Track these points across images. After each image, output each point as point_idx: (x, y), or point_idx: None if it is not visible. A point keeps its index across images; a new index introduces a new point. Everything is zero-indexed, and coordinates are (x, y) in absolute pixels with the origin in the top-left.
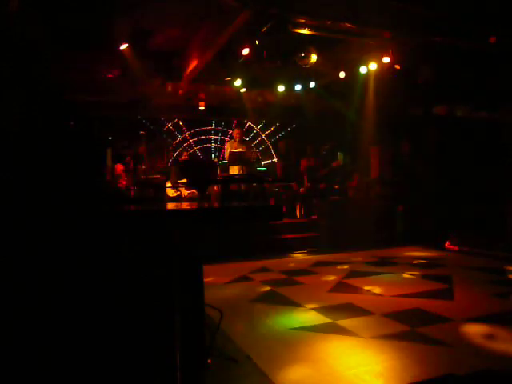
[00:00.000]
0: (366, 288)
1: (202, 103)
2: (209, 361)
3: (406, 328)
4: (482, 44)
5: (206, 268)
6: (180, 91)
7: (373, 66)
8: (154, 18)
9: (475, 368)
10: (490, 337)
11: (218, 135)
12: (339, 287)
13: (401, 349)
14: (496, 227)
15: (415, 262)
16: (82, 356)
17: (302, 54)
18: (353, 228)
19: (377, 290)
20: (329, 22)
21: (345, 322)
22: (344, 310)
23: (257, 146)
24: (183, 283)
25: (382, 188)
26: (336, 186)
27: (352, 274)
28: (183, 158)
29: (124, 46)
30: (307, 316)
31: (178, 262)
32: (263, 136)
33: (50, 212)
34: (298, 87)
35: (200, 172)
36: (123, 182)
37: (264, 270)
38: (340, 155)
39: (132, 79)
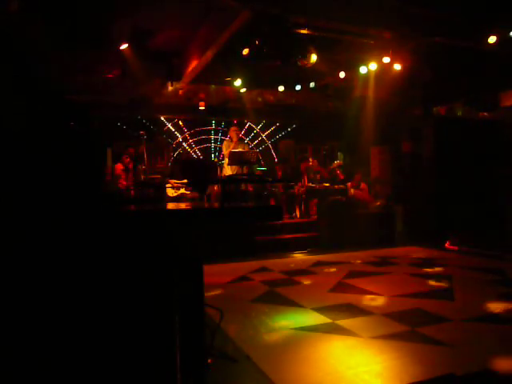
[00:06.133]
0: (366, 288)
1: (202, 103)
2: (209, 361)
3: (406, 328)
4: (481, 44)
5: (206, 268)
6: (180, 91)
7: (373, 66)
8: (154, 18)
9: (475, 368)
10: (489, 337)
11: (218, 135)
12: (339, 287)
13: (401, 349)
14: (496, 227)
15: (415, 261)
16: (82, 356)
17: (302, 54)
18: (353, 228)
19: (377, 289)
20: (329, 22)
21: (345, 322)
22: (344, 310)
23: (257, 146)
24: (183, 283)
25: (382, 188)
26: (336, 186)
27: (352, 274)
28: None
29: (124, 46)
30: (307, 316)
31: (178, 262)
32: (263, 136)
33: (49, 213)
34: (297, 87)
35: (199, 172)
36: (123, 182)
37: (264, 269)
38: (340, 155)
39: (132, 79)
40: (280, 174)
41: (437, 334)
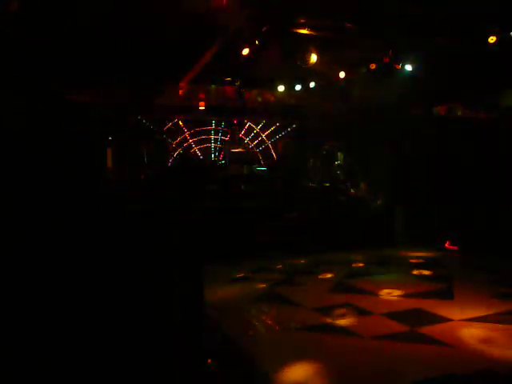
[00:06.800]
0: (366, 288)
1: (202, 103)
2: (209, 361)
3: (406, 328)
4: (481, 44)
5: (206, 268)
6: (180, 91)
7: (373, 66)
8: (154, 17)
9: (475, 368)
10: (489, 337)
11: (218, 135)
12: (339, 287)
13: (401, 349)
14: (496, 227)
15: (415, 261)
16: (83, 355)
17: (302, 54)
18: (353, 228)
19: (377, 289)
20: (329, 22)
21: (345, 322)
22: (344, 310)
23: (257, 146)
24: (183, 283)
25: (382, 188)
26: (336, 186)
27: (352, 274)
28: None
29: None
30: (307, 316)
31: (178, 262)
32: (263, 136)
33: (49, 213)
34: (297, 87)
35: (200, 172)
36: (123, 182)
37: (264, 270)
38: (340, 155)
39: (132, 79)
40: (280, 173)
41: (437, 334)
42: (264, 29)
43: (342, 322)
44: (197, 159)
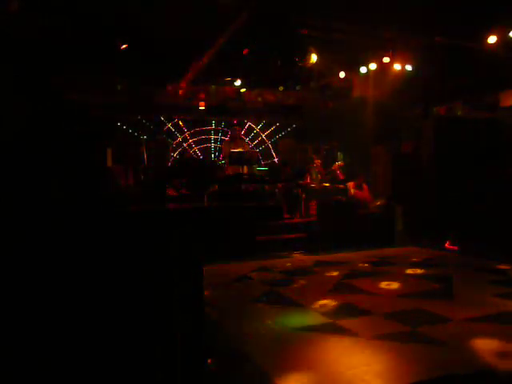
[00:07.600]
0: (366, 288)
1: (202, 103)
2: (209, 361)
3: (406, 328)
4: (481, 44)
5: (206, 268)
6: (180, 91)
7: (373, 66)
8: (155, 18)
9: (475, 368)
10: (489, 337)
11: (218, 135)
12: (339, 287)
13: (401, 349)
14: (496, 227)
15: (415, 261)
16: (82, 356)
17: (302, 54)
18: (353, 228)
19: (377, 289)
20: (329, 22)
21: (345, 322)
22: (344, 310)
23: (257, 146)
24: (183, 283)
25: (382, 188)
26: (336, 186)
27: (352, 274)
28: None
29: (124, 46)
30: (307, 316)
31: (178, 262)
32: (263, 136)
33: (49, 213)
34: (297, 87)
35: (200, 172)
36: (123, 182)
37: (264, 269)
38: (340, 155)
39: (132, 79)
40: (280, 173)
41: (437, 334)
42: (264, 29)
43: (342, 321)
44: (197, 159)
